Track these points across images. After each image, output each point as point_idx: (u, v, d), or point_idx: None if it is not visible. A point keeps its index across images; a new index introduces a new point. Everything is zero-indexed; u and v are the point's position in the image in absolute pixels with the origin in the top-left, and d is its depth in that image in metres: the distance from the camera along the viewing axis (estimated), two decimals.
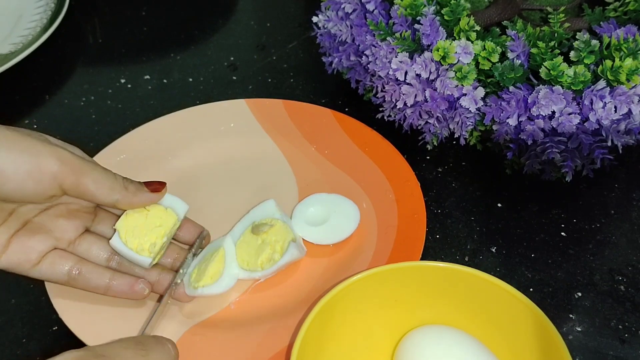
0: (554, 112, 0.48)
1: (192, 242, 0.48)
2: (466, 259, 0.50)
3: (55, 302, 0.45)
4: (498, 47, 0.50)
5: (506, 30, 0.51)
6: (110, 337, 0.43)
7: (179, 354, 0.36)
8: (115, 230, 0.44)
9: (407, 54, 0.52)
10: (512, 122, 0.50)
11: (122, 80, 0.68)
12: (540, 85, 0.49)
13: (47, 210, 0.43)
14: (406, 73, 0.52)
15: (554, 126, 0.49)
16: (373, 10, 0.55)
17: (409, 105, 0.53)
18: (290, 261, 0.47)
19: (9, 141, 0.39)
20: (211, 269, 0.46)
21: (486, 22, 0.54)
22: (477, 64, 0.51)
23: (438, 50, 0.50)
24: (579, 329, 0.46)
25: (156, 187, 0.45)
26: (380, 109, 0.57)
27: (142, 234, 0.44)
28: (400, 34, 0.53)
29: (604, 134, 0.49)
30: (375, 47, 0.54)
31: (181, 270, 0.46)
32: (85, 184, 0.41)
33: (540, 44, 0.49)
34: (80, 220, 0.44)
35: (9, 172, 0.39)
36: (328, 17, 0.59)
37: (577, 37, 0.49)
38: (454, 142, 0.58)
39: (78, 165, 0.41)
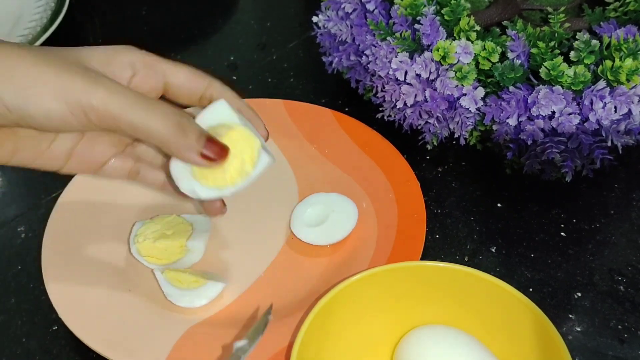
0: (554, 112, 0.48)
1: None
2: (466, 259, 0.50)
3: (55, 302, 0.45)
4: (498, 47, 0.50)
5: (506, 30, 0.51)
6: (110, 337, 0.43)
7: None
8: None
9: (407, 53, 0.52)
10: (512, 122, 0.50)
11: None
12: (540, 85, 0.49)
13: None
14: (406, 73, 0.52)
15: (554, 126, 0.49)
16: (373, 10, 0.55)
17: (409, 105, 0.53)
18: (263, 170, 0.41)
19: (40, 83, 0.36)
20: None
21: (486, 22, 0.54)
22: (477, 64, 0.51)
23: (438, 50, 0.50)
24: (579, 329, 0.46)
25: (214, 153, 0.39)
26: (380, 109, 0.57)
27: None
28: (400, 34, 0.53)
29: (604, 134, 0.49)
30: (375, 47, 0.54)
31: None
32: (121, 128, 0.37)
33: (540, 44, 0.49)
34: None
35: (41, 120, 0.36)
36: (328, 16, 0.59)
37: (577, 37, 0.49)
38: (454, 142, 0.58)
39: (111, 104, 0.37)
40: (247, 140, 0.40)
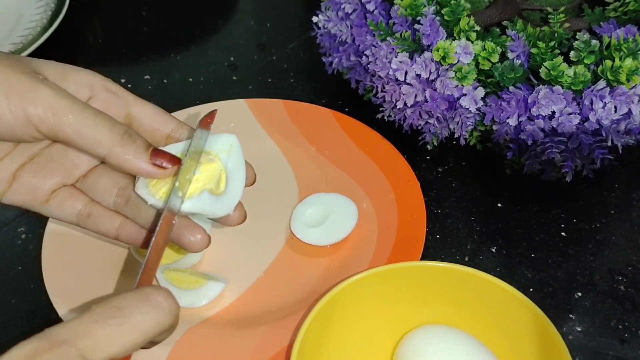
0: (554, 112, 0.48)
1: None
2: (466, 259, 0.50)
3: (55, 302, 0.45)
4: (498, 47, 0.50)
5: (506, 30, 0.51)
6: None
7: (178, 306, 0.29)
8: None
9: (407, 54, 0.52)
10: (512, 122, 0.50)
11: (122, 80, 0.68)
12: (540, 85, 0.49)
13: (56, 142, 0.39)
14: (406, 73, 0.52)
15: (554, 126, 0.49)
16: (373, 11, 0.55)
17: (409, 105, 0.53)
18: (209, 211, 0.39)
19: None
20: None
21: (486, 22, 0.54)
22: (477, 64, 0.51)
23: (438, 51, 0.50)
24: (579, 329, 0.46)
25: (163, 163, 0.37)
26: (380, 109, 0.57)
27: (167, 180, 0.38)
28: (400, 34, 0.53)
29: (604, 134, 0.49)
30: (376, 47, 0.54)
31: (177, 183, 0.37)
32: (65, 133, 0.35)
33: (540, 44, 0.49)
34: None
35: None
36: (328, 17, 0.59)
37: (577, 37, 0.49)
38: (454, 142, 0.58)
39: (57, 107, 0.34)
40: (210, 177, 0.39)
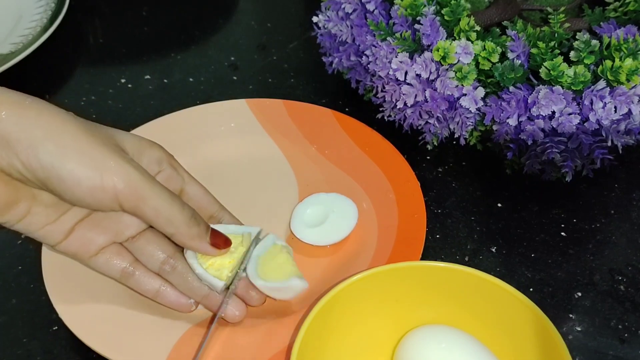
0: (554, 112, 0.48)
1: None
2: (466, 259, 0.50)
3: (55, 302, 0.45)
4: (498, 47, 0.50)
5: (506, 30, 0.51)
6: (110, 337, 0.43)
7: None
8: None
9: (407, 54, 0.52)
10: (512, 122, 0.50)
11: (123, 80, 0.68)
12: (540, 86, 0.49)
13: None
14: (406, 73, 0.52)
15: (554, 126, 0.49)
16: (373, 11, 0.55)
17: (409, 105, 0.53)
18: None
19: (79, 150, 0.38)
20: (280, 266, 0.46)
21: (486, 22, 0.54)
22: (477, 64, 0.51)
23: (438, 51, 0.50)
24: (579, 329, 0.46)
25: (219, 242, 0.43)
26: (381, 109, 0.57)
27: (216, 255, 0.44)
28: (401, 34, 0.53)
29: (604, 134, 0.49)
30: (376, 47, 0.54)
31: (232, 280, 0.44)
32: (143, 210, 0.40)
33: (540, 44, 0.49)
34: None
35: (70, 185, 0.38)
36: (328, 17, 0.59)
37: (577, 37, 0.49)
38: (454, 142, 0.58)
39: (142, 188, 0.39)
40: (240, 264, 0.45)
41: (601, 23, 0.50)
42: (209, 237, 0.43)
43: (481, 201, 0.55)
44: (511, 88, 0.50)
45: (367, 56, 0.55)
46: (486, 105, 0.51)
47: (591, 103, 0.48)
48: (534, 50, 0.49)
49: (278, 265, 0.46)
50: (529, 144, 0.50)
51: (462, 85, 0.50)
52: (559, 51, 0.49)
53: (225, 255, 0.44)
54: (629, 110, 0.48)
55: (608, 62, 0.48)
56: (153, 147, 0.44)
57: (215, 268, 0.44)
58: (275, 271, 0.45)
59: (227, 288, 0.44)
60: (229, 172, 0.56)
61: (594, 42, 0.49)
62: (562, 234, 0.52)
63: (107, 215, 0.42)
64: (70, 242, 0.42)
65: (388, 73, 0.53)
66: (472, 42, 0.50)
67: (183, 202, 0.42)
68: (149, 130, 0.57)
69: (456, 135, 0.54)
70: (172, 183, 0.44)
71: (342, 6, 0.57)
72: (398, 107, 0.54)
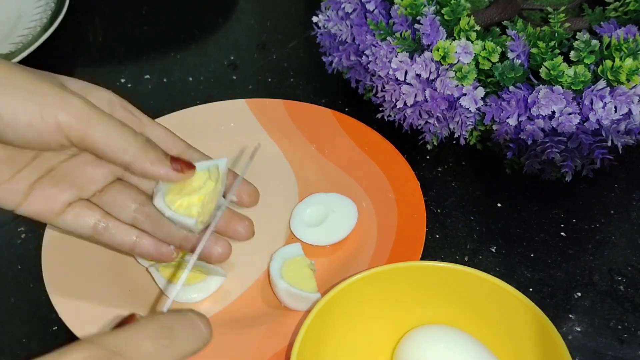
0: (554, 112, 0.48)
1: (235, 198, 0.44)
2: (466, 259, 0.50)
3: (55, 301, 0.45)
4: (498, 47, 0.50)
5: (506, 30, 0.51)
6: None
7: (212, 332, 0.31)
8: (156, 190, 0.42)
9: (407, 53, 0.52)
10: (512, 122, 0.50)
11: (122, 80, 0.68)
12: (540, 85, 0.49)
13: (74, 157, 0.41)
14: (406, 73, 0.52)
15: (554, 126, 0.49)
16: (373, 10, 0.55)
17: (409, 105, 0.53)
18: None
19: (15, 86, 0.35)
20: None
21: (486, 22, 0.54)
22: (477, 63, 0.51)
23: (438, 50, 0.50)
24: (579, 329, 0.46)
25: (181, 165, 0.40)
26: (380, 109, 0.57)
27: (183, 194, 0.42)
28: (400, 34, 0.53)
29: (604, 134, 0.49)
30: (375, 46, 0.54)
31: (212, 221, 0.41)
32: (93, 140, 0.37)
33: (541, 44, 0.49)
34: (109, 168, 0.41)
35: (8, 120, 0.35)
36: (328, 16, 0.59)
37: (577, 37, 0.49)
38: (454, 142, 0.58)
39: (87, 116, 0.36)
40: (214, 199, 0.42)
41: (601, 23, 0.50)
42: (169, 161, 0.40)
43: (481, 201, 0.55)
44: (511, 88, 0.50)
45: (367, 56, 0.55)
46: (486, 105, 0.51)
47: (591, 103, 0.48)
48: (534, 50, 0.49)
49: (302, 276, 0.46)
50: (529, 143, 0.50)
51: (462, 85, 0.50)
52: (559, 51, 0.49)
53: (193, 193, 0.42)
54: (629, 110, 0.48)
55: (608, 62, 0.48)
56: (101, 89, 0.41)
57: (185, 207, 0.42)
58: (300, 280, 0.46)
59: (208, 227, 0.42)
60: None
61: (594, 42, 0.49)
62: (562, 234, 0.52)
63: (68, 170, 0.40)
64: (32, 202, 0.39)
65: (388, 73, 0.53)
66: (472, 42, 0.50)
67: (132, 129, 0.39)
68: None
69: (456, 135, 0.54)
70: (129, 125, 0.41)
71: (342, 6, 0.57)
72: (398, 106, 0.54)
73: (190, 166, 0.41)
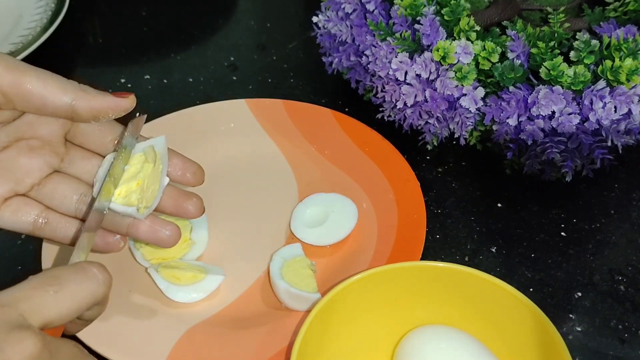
0: (554, 112, 0.48)
1: (178, 178, 0.43)
2: (466, 259, 0.50)
3: None
4: (498, 47, 0.50)
5: (506, 30, 0.51)
6: (110, 337, 0.43)
7: (111, 278, 0.31)
8: (95, 181, 0.41)
9: (407, 54, 0.52)
10: (512, 122, 0.50)
11: (122, 80, 0.68)
12: (540, 85, 0.49)
13: (6, 148, 0.39)
14: (406, 73, 0.52)
15: (554, 126, 0.49)
16: (373, 11, 0.55)
17: (409, 105, 0.53)
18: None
19: None
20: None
21: (486, 22, 0.54)
22: (477, 64, 0.51)
23: (438, 51, 0.50)
24: (579, 329, 0.46)
25: (122, 93, 0.39)
26: (380, 109, 0.57)
27: (122, 182, 0.41)
28: (400, 34, 0.53)
29: (604, 134, 0.49)
30: (375, 47, 0.54)
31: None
32: (28, 83, 0.36)
33: (540, 44, 0.49)
34: (44, 159, 0.39)
35: None
36: (328, 17, 0.59)
37: (577, 37, 0.49)
38: (454, 142, 0.58)
39: (18, 65, 0.36)
40: (156, 181, 0.42)
41: (601, 23, 0.50)
42: (109, 94, 0.39)
43: (481, 201, 0.55)
44: (511, 88, 0.50)
45: (367, 56, 0.55)
46: (486, 105, 0.51)
47: (591, 103, 0.48)
48: (534, 50, 0.49)
49: (302, 276, 0.46)
50: (529, 144, 0.50)
51: (462, 85, 0.50)
52: (559, 51, 0.49)
53: (131, 180, 0.41)
54: (629, 110, 0.48)
55: (608, 62, 0.48)
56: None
57: (124, 196, 0.40)
58: (300, 281, 0.46)
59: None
60: (229, 173, 0.56)
61: (594, 42, 0.49)
62: (562, 234, 0.52)
63: (1, 163, 0.38)
64: None
65: (388, 73, 0.53)
66: (472, 42, 0.50)
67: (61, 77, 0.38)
68: (148, 130, 0.57)
69: (456, 135, 0.54)
70: None
71: (342, 6, 0.57)
72: (398, 107, 0.54)
73: (130, 93, 0.40)
